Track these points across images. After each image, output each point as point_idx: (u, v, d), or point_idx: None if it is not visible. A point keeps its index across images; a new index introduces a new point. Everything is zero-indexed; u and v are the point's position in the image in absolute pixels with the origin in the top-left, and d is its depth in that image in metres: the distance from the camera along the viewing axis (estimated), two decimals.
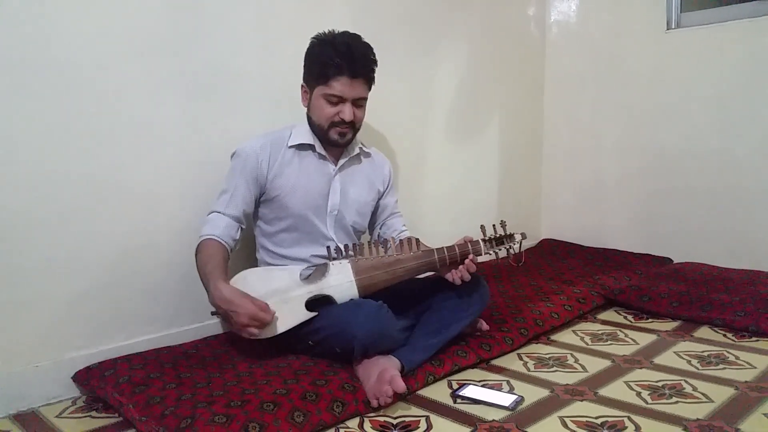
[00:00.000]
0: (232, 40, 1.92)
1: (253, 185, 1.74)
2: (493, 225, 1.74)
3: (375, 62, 1.76)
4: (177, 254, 1.80)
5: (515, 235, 1.77)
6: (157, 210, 1.79)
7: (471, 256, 1.68)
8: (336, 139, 1.75)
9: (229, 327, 1.59)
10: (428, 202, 2.63)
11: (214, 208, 1.73)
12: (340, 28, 1.84)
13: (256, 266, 1.81)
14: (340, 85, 1.69)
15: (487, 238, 1.73)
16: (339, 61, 1.67)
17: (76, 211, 1.63)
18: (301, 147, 1.79)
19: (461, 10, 2.71)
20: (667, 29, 2.77)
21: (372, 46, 1.76)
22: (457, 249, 1.69)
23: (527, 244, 3.14)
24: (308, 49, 1.76)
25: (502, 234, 1.75)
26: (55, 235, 1.59)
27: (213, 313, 1.61)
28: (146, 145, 1.76)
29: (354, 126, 1.76)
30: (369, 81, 1.76)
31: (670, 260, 2.75)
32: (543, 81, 3.20)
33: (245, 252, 1.90)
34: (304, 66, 1.77)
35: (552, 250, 3.04)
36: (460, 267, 1.68)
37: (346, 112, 1.71)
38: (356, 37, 1.74)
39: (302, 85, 1.80)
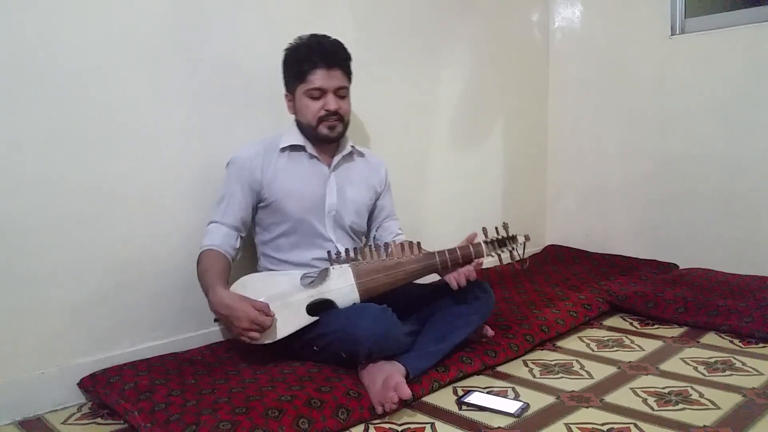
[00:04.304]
0: (237, 45, 1.93)
1: (248, 193, 1.75)
2: (495, 227, 1.74)
3: (348, 55, 1.80)
4: (182, 260, 1.80)
5: (518, 237, 1.76)
6: (162, 216, 1.80)
7: (474, 263, 1.68)
8: (327, 133, 1.77)
9: (231, 333, 1.59)
10: (432, 208, 2.63)
11: (212, 218, 1.75)
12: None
13: (258, 273, 1.81)
14: (318, 78, 1.73)
15: (489, 239, 1.73)
16: (312, 56, 1.73)
17: (80, 218, 1.63)
18: (293, 149, 1.81)
19: (465, 17, 2.71)
20: (671, 35, 2.77)
21: (346, 43, 1.81)
22: (458, 251, 1.69)
23: (532, 249, 3.15)
24: (283, 60, 1.81)
25: (505, 236, 1.75)
26: (59, 241, 1.60)
27: (215, 321, 1.62)
28: (150, 150, 1.76)
29: (342, 119, 1.79)
30: (346, 71, 1.80)
31: (676, 266, 2.74)
32: (547, 87, 3.20)
33: (246, 260, 1.90)
34: (283, 75, 1.82)
35: (557, 256, 3.03)
36: (459, 270, 1.68)
37: (330, 102, 1.74)
38: (325, 36, 1.80)
39: (285, 95, 1.83)
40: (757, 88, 2.54)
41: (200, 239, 1.73)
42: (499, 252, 1.73)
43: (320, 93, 1.74)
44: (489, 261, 2.80)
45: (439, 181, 2.67)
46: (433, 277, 1.78)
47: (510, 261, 1.76)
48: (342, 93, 1.78)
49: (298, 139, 1.81)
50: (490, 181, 2.95)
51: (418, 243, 1.72)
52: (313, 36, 1.78)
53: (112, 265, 1.70)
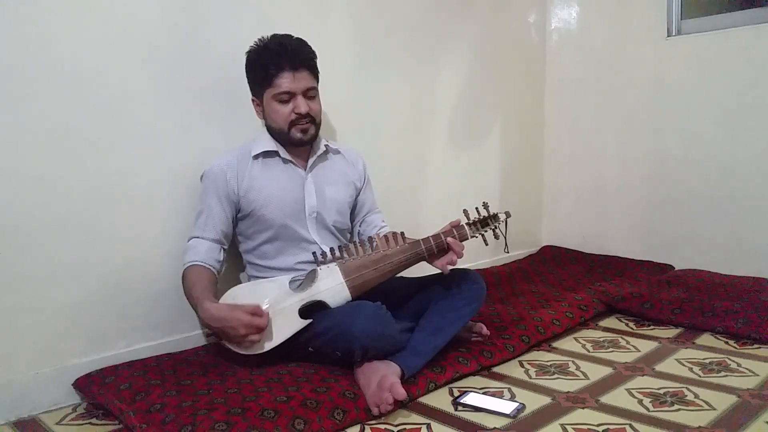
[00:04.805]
0: (234, 47, 1.92)
1: (226, 204, 1.74)
2: (476, 208, 1.73)
3: (313, 52, 1.77)
4: (178, 261, 1.79)
5: (499, 215, 1.76)
6: (159, 217, 1.79)
7: (453, 241, 1.67)
8: (300, 137, 1.75)
9: (229, 345, 1.58)
10: (429, 208, 2.63)
11: (192, 233, 1.73)
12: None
13: (245, 283, 1.81)
14: (284, 81, 1.70)
15: (471, 221, 1.72)
16: (276, 59, 1.70)
17: (77, 218, 1.63)
18: (266, 155, 1.79)
19: (463, 17, 2.72)
20: (668, 36, 2.77)
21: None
22: (442, 236, 1.68)
23: (529, 250, 3.16)
24: (245, 64, 1.78)
25: (486, 215, 1.74)
26: (56, 242, 1.60)
27: (209, 335, 1.61)
28: (148, 151, 1.76)
29: (314, 120, 1.77)
30: (312, 70, 1.77)
31: (672, 267, 2.75)
32: (544, 88, 3.21)
33: (231, 270, 1.89)
34: (248, 80, 1.80)
35: (553, 257, 3.04)
36: (448, 256, 1.67)
37: (300, 105, 1.72)
38: (287, 35, 1.76)
39: (252, 100, 1.81)
40: (754, 89, 2.55)
41: (182, 256, 1.72)
42: (483, 232, 1.73)
43: (289, 96, 1.71)
44: (484, 262, 2.83)
45: (436, 181, 2.67)
46: (421, 268, 1.77)
47: (494, 234, 1.75)
48: (311, 94, 1.75)
49: (270, 144, 1.79)
50: (487, 181, 2.95)
51: (402, 233, 1.71)
52: (275, 37, 1.75)
53: (109, 266, 1.70)
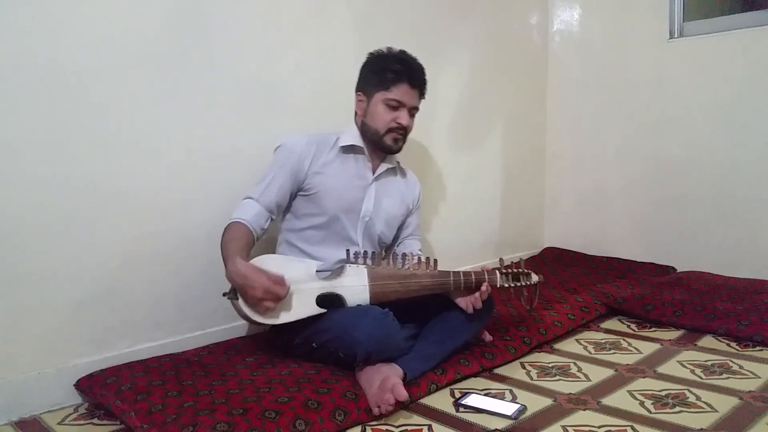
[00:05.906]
0: (236, 47, 1.93)
1: (291, 179, 1.77)
2: (512, 262, 1.76)
3: (427, 80, 1.87)
4: (180, 261, 1.80)
5: (533, 275, 1.79)
6: (160, 217, 1.79)
7: (486, 285, 1.69)
8: (390, 144, 1.82)
9: (241, 308, 1.57)
10: (431, 210, 2.63)
11: (248, 194, 1.75)
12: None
13: (276, 254, 1.82)
14: (401, 92, 1.79)
15: (505, 271, 1.75)
16: (402, 69, 1.80)
17: (78, 218, 1.63)
18: (347, 150, 1.84)
19: (465, 20, 2.72)
20: (670, 38, 2.77)
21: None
22: (473, 276, 1.70)
23: (530, 253, 3.15)
24: (367, 61, 1.87)
25: (520, 270, 1.77)
26: (57, 241, 1.60)
27: (225, 294, 1.60)
28: (149, 151, 1.76)
29: (406, 135, 1.85)
30: (422, 95, 1.87)
31: (674, 269, 2.75)
32: (545, 89, 3.21)
33: (265, 243, 1.88)
34: (362, 75, 1.87)
35: (555, 259, 3.04)
36: (475, 294, 1.69)
37: (403, 117, 1.80)
38: (413, 56, 1.86)
39: (358, 94, 1.87)
40: (755, 91, 2.55)
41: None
42: (512, 284, 1.77)
43: (397, 104, 1.79)
44: (485, 263, 2.82)
45: (438, 183, 2.67)
46: None
47: (520, 300, 1.81)
48: (413, 112, 1.85)
49: (357, 140, 1.84)
50: (489, 183, 2.95)
51: (435, 260, 1.73)
52: (403, 52, 1.85)
53: (110, 266, 1.70)
